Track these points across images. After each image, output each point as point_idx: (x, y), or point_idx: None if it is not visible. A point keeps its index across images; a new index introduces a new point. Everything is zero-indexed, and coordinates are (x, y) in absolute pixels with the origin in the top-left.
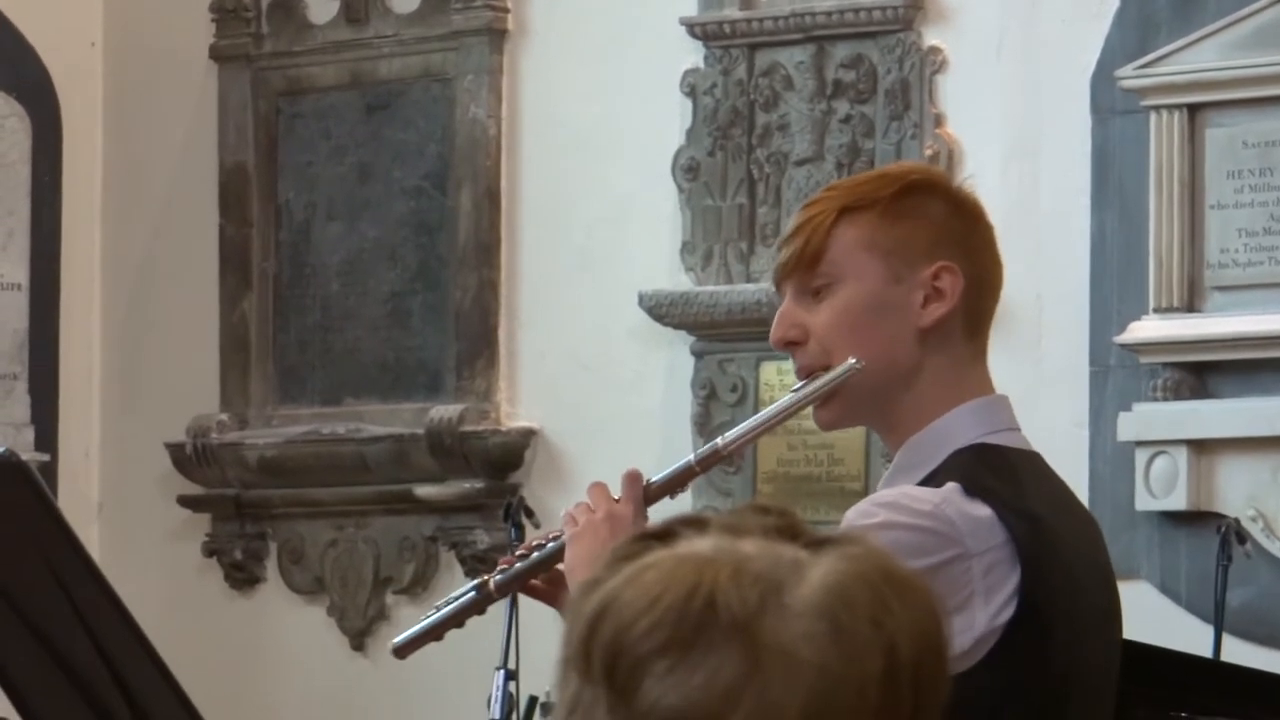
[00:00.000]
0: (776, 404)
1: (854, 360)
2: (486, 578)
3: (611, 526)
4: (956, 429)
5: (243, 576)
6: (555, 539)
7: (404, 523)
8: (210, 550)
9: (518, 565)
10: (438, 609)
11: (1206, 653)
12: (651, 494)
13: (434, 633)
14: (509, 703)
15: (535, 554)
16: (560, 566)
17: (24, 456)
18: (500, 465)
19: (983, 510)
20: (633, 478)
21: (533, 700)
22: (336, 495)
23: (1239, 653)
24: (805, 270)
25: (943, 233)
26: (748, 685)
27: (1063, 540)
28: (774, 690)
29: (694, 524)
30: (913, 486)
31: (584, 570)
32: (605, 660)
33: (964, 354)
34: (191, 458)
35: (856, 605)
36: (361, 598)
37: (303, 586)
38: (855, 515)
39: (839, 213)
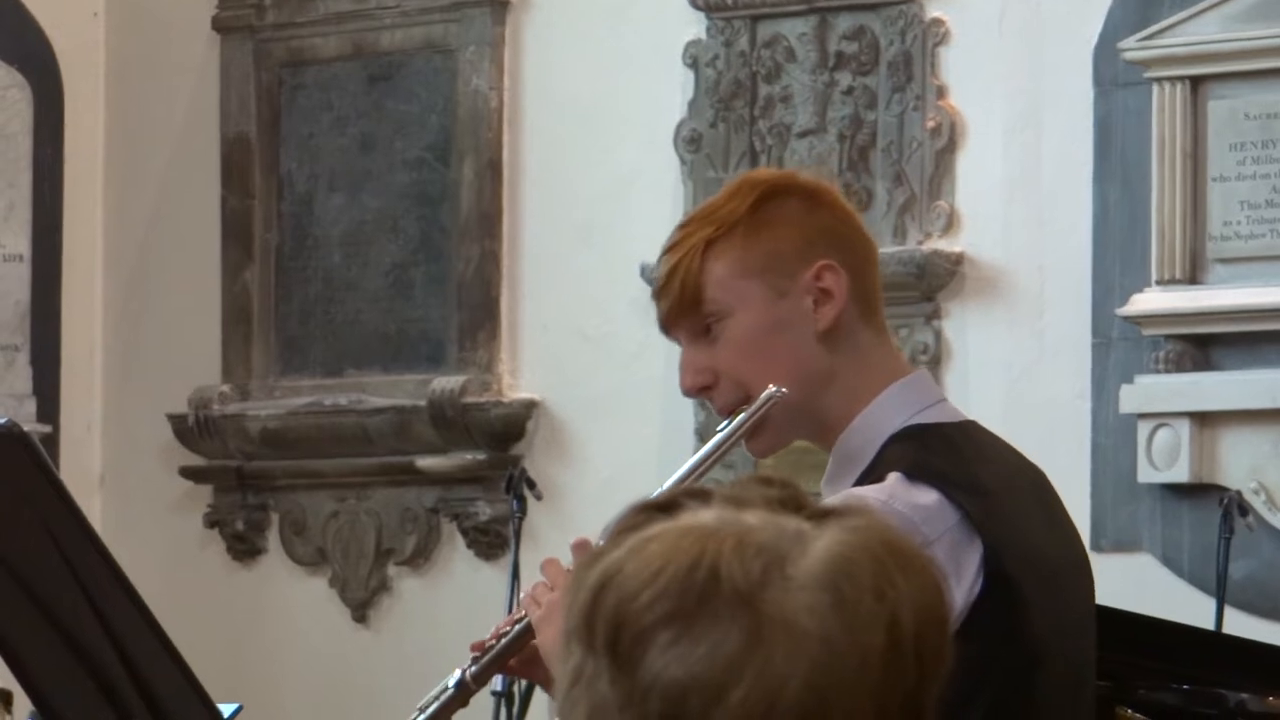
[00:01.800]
0: (705, 448)
1: (774, 389)
2: (462, 672)
3: None
4: (884, 415)
5: (244, 548)
6: (519, 621)
7: (406, 494)
8: (212, 521)
9: (488, 656)
10: (421, 710)
11: (1208, 625)
12: None
13: None
14: (509, 678)
15: (503, 641)
16: (534, 642)
17: (26, 428)
18: (502, 437)
19: (930, 495)
20: (581, 547)
21: None
22: (338, 467)
23: (1241, 625)
24: (690, 314)
25: (809, 231)
26: (750, 657)
27: (1016, 508)
28: (777, 662)
29: (697, 495)
30: (855, 489)
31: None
32: (608, 631)
33: (868, 340)
34: (193, 429)
35: (859, 577)
36: (363, 569)
37: (304, 558)
38: None
39: (704, 247)
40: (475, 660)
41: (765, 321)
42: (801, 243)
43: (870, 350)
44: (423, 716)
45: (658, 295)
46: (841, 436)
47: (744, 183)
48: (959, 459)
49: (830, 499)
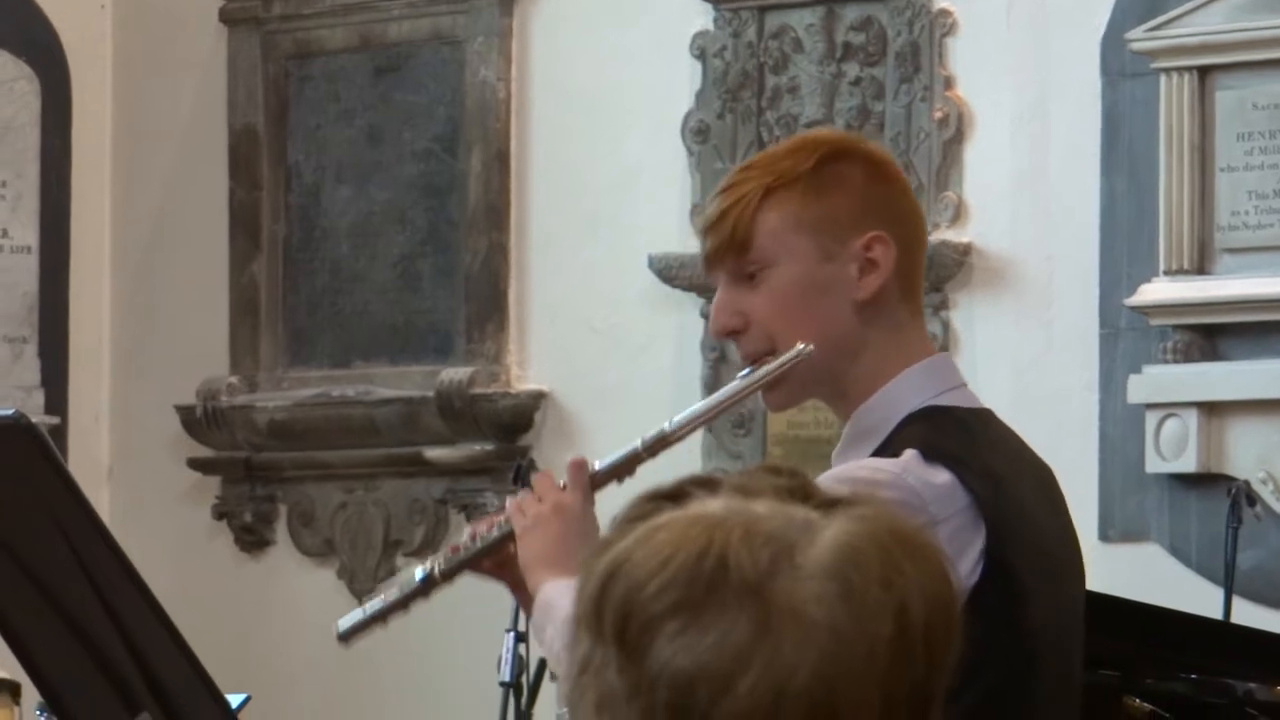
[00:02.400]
0: (725, 389)
1: (803, 345)
2: (432, 564)
3: (561, 517)
4: (905, 394)
5: (252, 539)
6: (499, 526)
7: (414, 485)
8: (220, 513)
9: (463, 553)
10: (384, 596)
11: (1216, 615)
12: (598, 480)
13: (380, 618)
14: (519, 665)
15: (480, 543)
16: (513, 551)
17: (34, 419)
18: (510, 428)
19: (943, 475)
20: (578, 465)
21: (542, 663)
22: (346, 458)
23: (1249, 615)
24: (736, 257)
25: (868, 200)
26: (758, 646)
27: (1024, 498)
28: (785, 651)
29: (705, 485)
30: (870, 458)
31: (539, 565)
32: (616, 620)
33: (903, 318)
34: (201, 420)
35: (867, 566)
36: (371, 560)
37: (313, 549)
38: None
39: (763, 194)
40: (448, 558)
41: (808, 279)
42: (858, 210)
43: (904, 329)
44: (385, 602)
45: (706, 232)
46: (859, 411)
47: (807, 140)
48: (973, 444)
49: (842, 469)
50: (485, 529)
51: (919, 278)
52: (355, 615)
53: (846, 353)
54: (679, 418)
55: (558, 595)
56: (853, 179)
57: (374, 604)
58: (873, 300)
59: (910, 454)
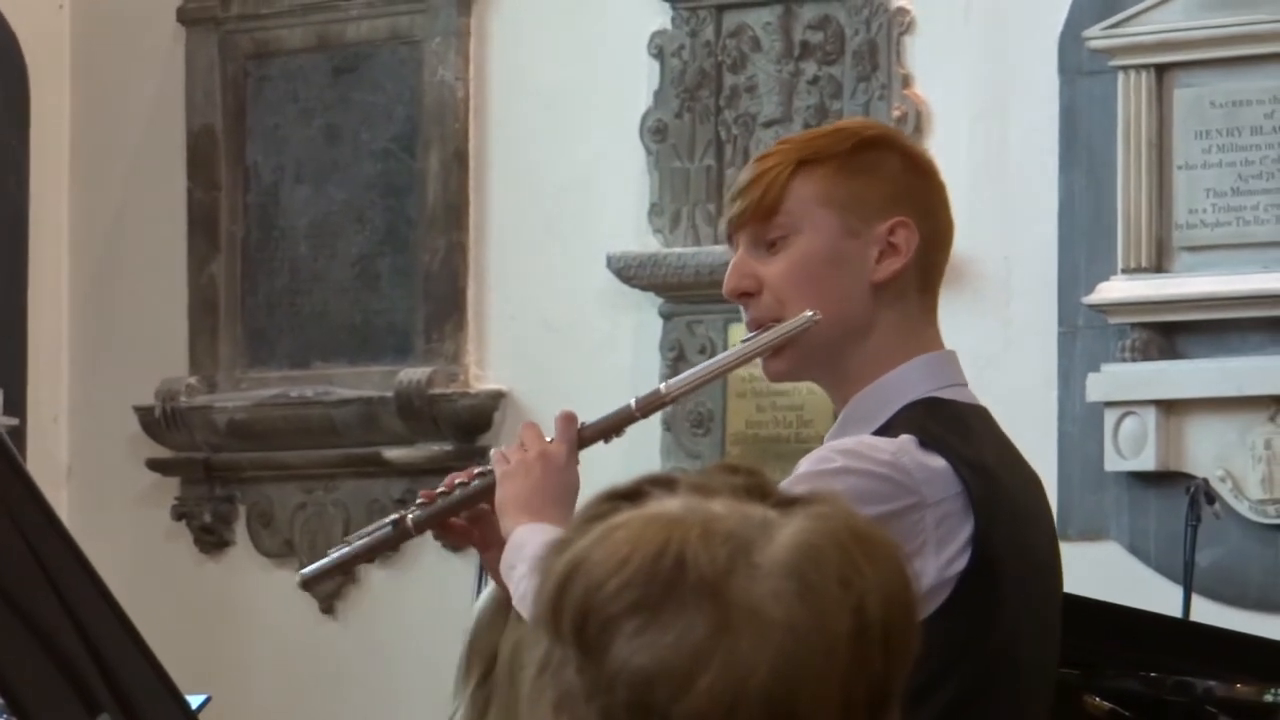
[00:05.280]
0: (727, 353)
1: (811, 313)
2: (404, 513)
3: (544, 466)
4: (908, 383)
5: (212, 540)
6: (481, 476)
7: (373, 485)
8: (179, 513)
9: (439, 503)
10: (349, 543)
11: (1175, 613)
12: (586, 436)
13: (344, 567)
14: None
15: (458, 492)
16: (484, 506)
17: None
18: (469, 428)
19: (938, 461)
20: (567, 418)
21: None
22: (305, 458)
23: (1208, 613)
24: (761, 222)
25: (898, 188)
26: (717, 645)
27: (1014, 495)
28: (743, 650)
29: (663, 483)
30: (870, 435)
31: (515, 509)
32: (575, 620)
33: (916, 309)
34: (160, 421)
35: (825, 564)
36: None
37: (272, 549)
38: (812, 461)
39: (796, 165)
40: (422, 506)
41: (828, 253)
42: (889, 196)
43: (915, 319)
44: (350, 548)
45: (736, 196)
46: (858, 396)
47: (850, 124)
48: (969, 437)
49: (841, 441)
50: (464, 479)
51: (939, 274)
52: (320, 562)
53: (854, 331)
54: (676, 379)
55: (531, 535)
56: (888, 166)
57: (339, 551)
58: (888, 284)
59: (907, 438)
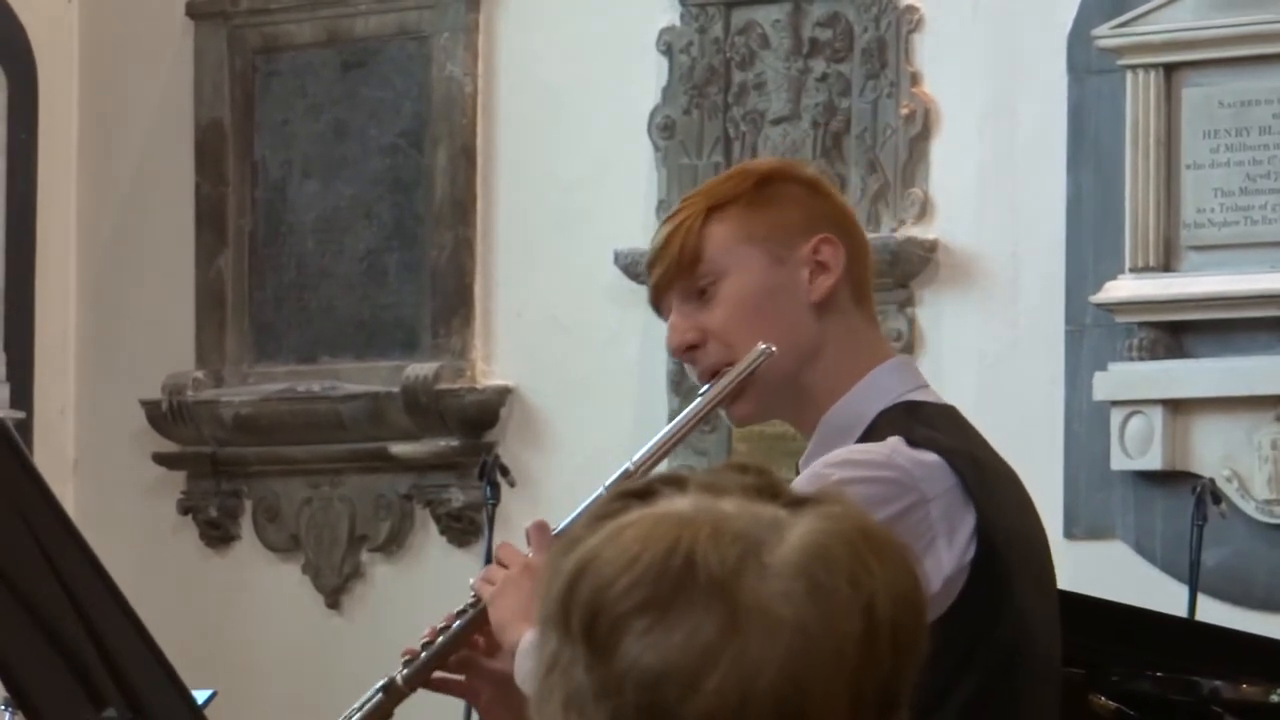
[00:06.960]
0: (685, 412)
1: (764, 346)
2: (394, 675)
3: (530, 576)
4: (877, 390)
5: (218, 534)
6: (460, 617)
7: (379, 481)
8: (185, 508)
9: (423, 655)
10: (347, 717)
11: (1181, 613)
12: None
13: None
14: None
15: (441, 639)
16: (466, 650)
17: None
18: (476, 423)
19: (930, 457)
20: (540, 528)
21: None
22: (312, 453)
23: (1214, 612)
24: (686, 275)
25: (811, 210)
26: (726, 644)
27: (1004, 486)
28: (752, 649)
29: (673, 482)
30: (855, 445)
31: (515, 620)
32: (584, 618)
33: (859, 321)
34: (167, 415)
35: (835, 564)
36: (336, 556)
37: (278, 544)
38: (805, 481)
39: (706, 213)
40: (408, 663)
41: (760, 285)
42: (803, 218)
43: (861, 331)
44: None
45: (653, 262)
46: (830, 411)
47: (745, 168)
48: (952, 433)
49: (833, 454)
50: (446, 622)
51: (868, 285)
52: None
53: (807, 355)
54: (639, 454)
55: None
56: (793, 192)
57: None
58: (826, 301)
59: (895, 439)
